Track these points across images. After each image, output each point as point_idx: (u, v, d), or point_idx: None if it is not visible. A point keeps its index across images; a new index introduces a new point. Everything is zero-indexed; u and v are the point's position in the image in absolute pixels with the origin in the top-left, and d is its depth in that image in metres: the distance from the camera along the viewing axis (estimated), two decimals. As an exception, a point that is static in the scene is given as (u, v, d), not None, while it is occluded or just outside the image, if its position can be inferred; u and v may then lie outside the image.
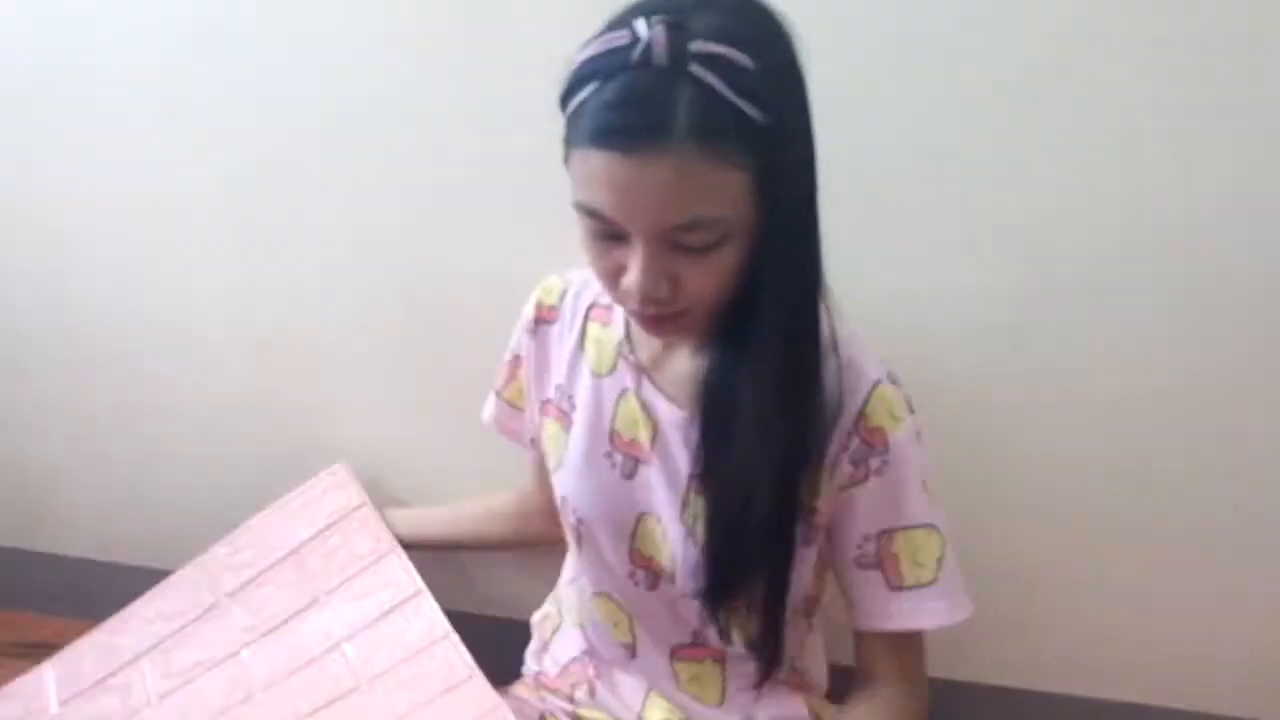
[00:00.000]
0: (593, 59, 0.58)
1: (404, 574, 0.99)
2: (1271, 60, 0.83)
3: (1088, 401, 0.95)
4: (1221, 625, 0.99)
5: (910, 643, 0.76)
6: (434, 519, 1.10)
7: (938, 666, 1.07)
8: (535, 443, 0.92)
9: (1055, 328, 0.94)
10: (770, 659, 0.74)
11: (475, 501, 1.10)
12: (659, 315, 0.64)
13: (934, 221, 0.94)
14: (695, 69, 0.55)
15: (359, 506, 1.08)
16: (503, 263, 1.08)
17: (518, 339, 0.90)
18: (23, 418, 1.40)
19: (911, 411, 0.73)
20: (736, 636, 0.75)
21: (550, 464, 0.86)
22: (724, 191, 0.58)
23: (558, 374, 0.84)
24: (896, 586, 0.73)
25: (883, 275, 0.97)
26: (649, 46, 0.55)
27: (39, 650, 1.33)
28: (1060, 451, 0.98)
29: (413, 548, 1.04)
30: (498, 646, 1.04)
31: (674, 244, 0.60)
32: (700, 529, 0.71)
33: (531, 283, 0.90)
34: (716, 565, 0.70)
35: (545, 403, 0.87)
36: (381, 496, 1.23)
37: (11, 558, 1.47)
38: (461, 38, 1.02)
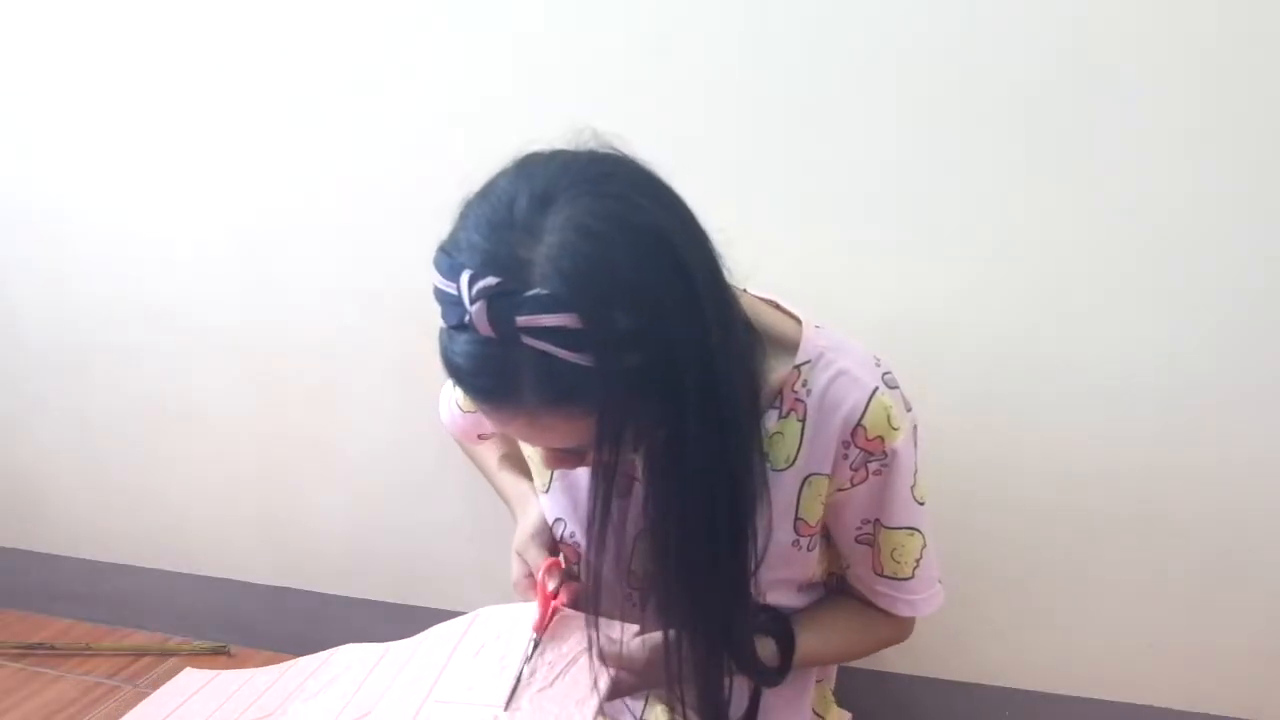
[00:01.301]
0: (435, 288, 0.58)
1: None
2: (1272, 60, 0.83)
3: (1087, 401, 0.95)
4: (1221, 625, 0.99)
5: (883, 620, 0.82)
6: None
7: (938, 666, 1.08)
8: (487, 436, 0.97)
9: (1055, 328, 0.94)
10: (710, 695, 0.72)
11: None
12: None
13: (933, 222, 0.94)
14: (527, 340, 0.52)
15: None
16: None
17: None
18: (23, 418, 1.40)
19: (908, 409, 0.73)
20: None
21: (537, 485, 0.84)
22: (582, 430, 0.57)
23: None
24: (878, 572, 0.77)
25: (882, 276, 0.97)
26: (474, 319, 0.53)
27: (38, 650, 1.34)
28: (1059, 451, 0.98)
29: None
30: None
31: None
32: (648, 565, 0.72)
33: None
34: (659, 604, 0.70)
35: None
36: (381, 495, 1.23)
37: (11, 558, 1.47)
38: (462, 39, 1.02)
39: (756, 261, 0.65)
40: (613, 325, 0.53)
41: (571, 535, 0.80)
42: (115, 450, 1.36)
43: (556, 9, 0.98)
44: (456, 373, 0.57)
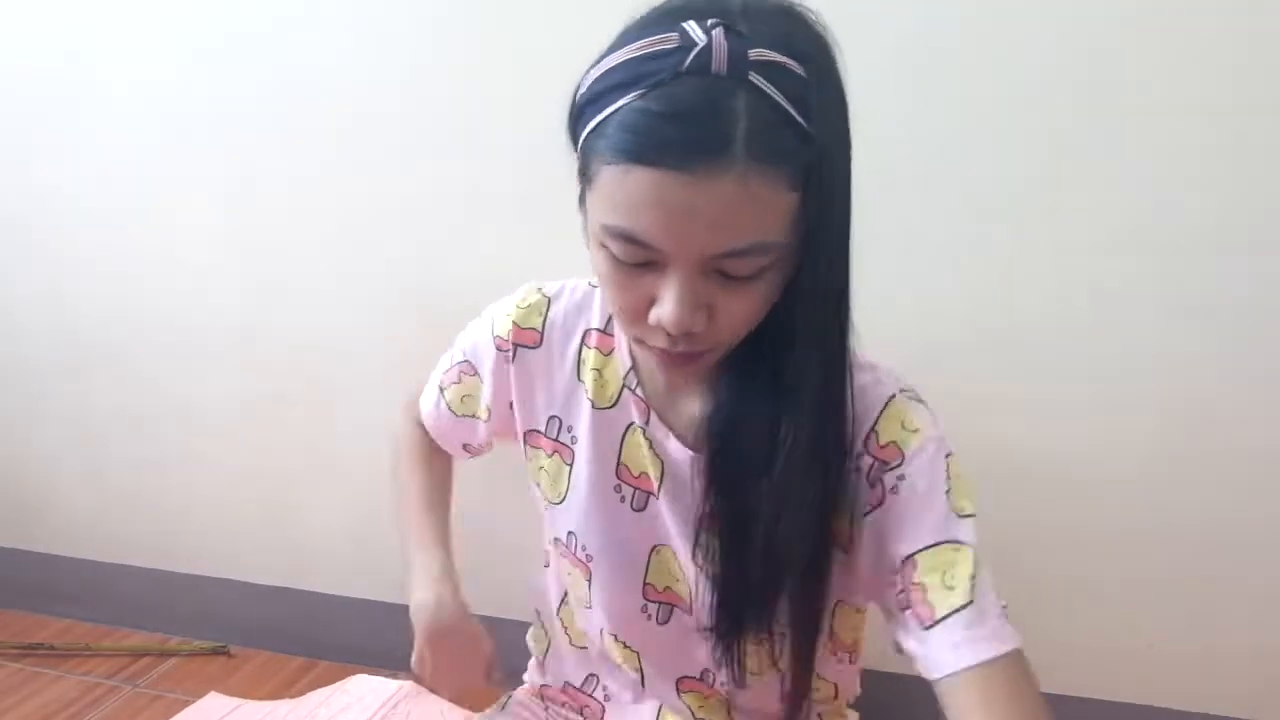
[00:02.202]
0: (630, 64, 0.52)
1: None
2: (1272, 60, 0.83)
3: (1088, 402, 0.95)
4: (1221, 625, 0.99)
5: (990, 683, 0.61)
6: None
7: (938, 666, 1.08)
8: (472, 450, 0.87)
9: (1055, 329, 0.94)
10: (796, 699, 0.71)
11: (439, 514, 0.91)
12: (686, 352, 0.58)
13: (932, 224, 0.94)
14: (754, 78, 0.50)
15: None
16: (505, 263, 1.08)
17: (476, 349, 0.81)
18: (22, 418, 1.40)
19: (936, 425, 0.67)
20: (749, 677, 0.71)
21: (547, 498, 0.80)
22: (779, 214, 0.53)
23: (550, 404, 0.77)
24: (929, 623, 0.62)
25: (882, 278, 0.97)
26: (706, 51, 0.49)
27: (38, 650, 1.34)
28: (1059, 452, 0.98)
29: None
30: (505, 647, 1.04)
31: (715, 272, 0.54)
32: (712, 566, 0.67)
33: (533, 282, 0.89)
34: (729, 603, 0.67)
35: (533, 433, 0.79)
36: (381, 496, 1.23)
37: (11, 558, 1.47)
38: (463, 40, 1.02)
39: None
40: (826, 94, 0.53)
41: (584, 549, 0.77)
42: (115, 450, 1.36)
43: (558, 10, 0.98)
44: (658, 134, 0.50)
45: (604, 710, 0.86)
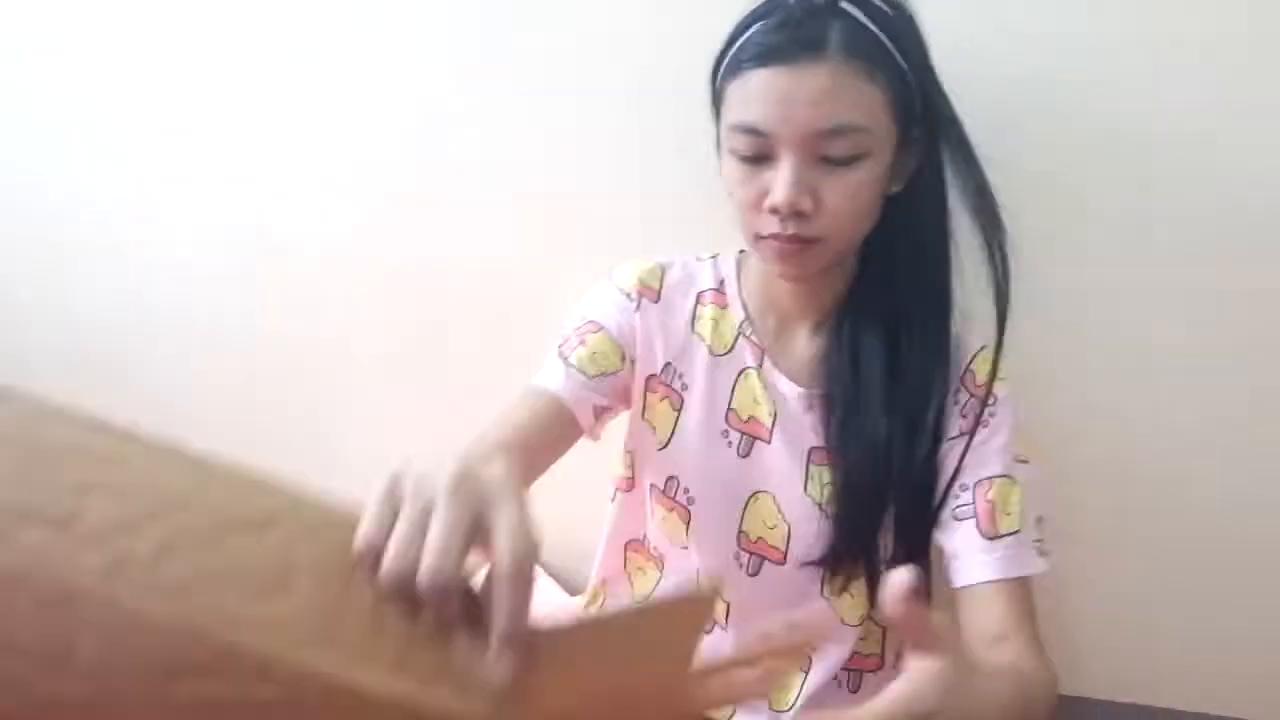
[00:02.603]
0: (754, 10, 0.70)
1: None
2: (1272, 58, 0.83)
3: (1087, 400, 0.95)
4: (1221, 625, 0.99)
5: (1020, 594, 0.75)
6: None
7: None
8: (598, 414, 0.83)
9: (1055, 326, 0.94)
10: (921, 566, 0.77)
11: None
12: (797, 236, 0.69)
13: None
14: (846, 5, 0.67)
15: None
16: (509, 263, 1.08)
17: (601, 304, 0.84)
18: (22, 418, 1.39)
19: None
20: (844, 613, 0.82)
21: (653, 442, 0.84)
22: (868, 102, 0.67)
23: (666, 352, 0.84)
24: (992, 536, 0.75)
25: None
26: None
27: (39, 650, 1.33)
28: (1058, 451, 0.98)
29: None
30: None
31: (819, 157, 0.67)
32: (827, 498, 0.78)
33: (534, 283, 0.90)
34: (843, 533, 0.77)
35: (651, 378, 0.84)
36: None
37: (11, 558, 1.47)
38: (468, 35, 1.02)
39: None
40: (906, 31, 0.70)
41: (686, 491, 0.83)
42: (115, 450, 1.35)
43: (561, 8, 0.98)
44: (771, 42, 0.67)
45: None
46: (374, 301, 1.15)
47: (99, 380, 1.33)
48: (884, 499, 0.76)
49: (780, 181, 0.67)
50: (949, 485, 0.77)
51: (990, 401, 0.77)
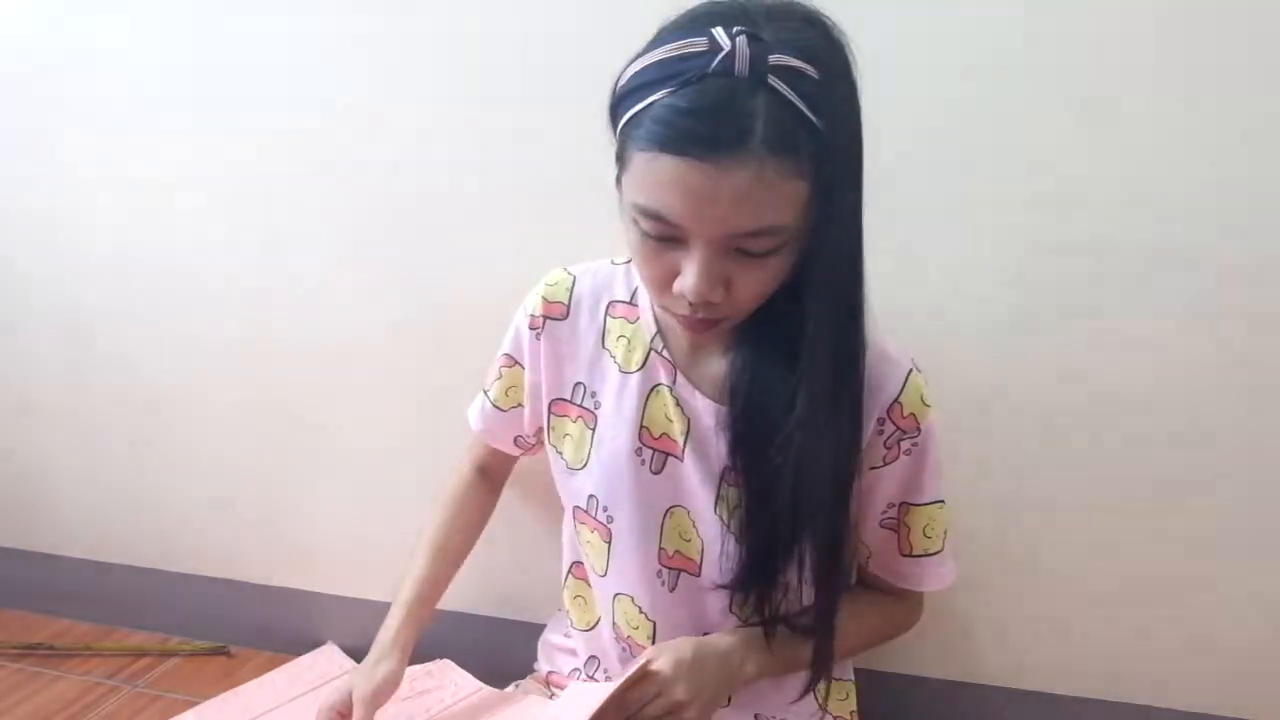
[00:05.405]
0: (663, 63, 0.59)
1: None
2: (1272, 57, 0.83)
3: (1087, 399, 0.95)
4: (1221, 625, 0.99)
5: (906, 598, 0.87)
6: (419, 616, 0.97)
7: (938, 667, 1.08)
8: (522, 443, 0.94)
9: (1056, 322, 0.94)
10: (825, 640, 0.76)
11: (435, 565, 0.98)
12: (705, 319, 0.66)
13: (935, 213, 0.94)
14: (773, 80, 0.56)
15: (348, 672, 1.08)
16: (510, 262, 1.08)
17: (515, 338, 0.88)
18: (23, 418, 1.40)
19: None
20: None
21: (565, 464, 0.85)
22: (791, 200, 0.59)
23: (576, 372, 0.83)
24: (906, 553, 0.81)
25: (884, 267, 0.97)
26: (730, 56, 0.56)
27: (38, 650, 1.34)
28: (1058, 450, 0.98)
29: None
30: (505, 647, 1.04)
31: (733, 249, 0.61)
32: (735, 520, 0.75)
33: (534, 284, 0.90)
34: (750, 554, 0.74)
35: (559, 401, 0.85)
36: (382, 496, 1.23)
37: (10, 558, 1.47)
38: (469, 39, 1.02)
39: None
40: (838, 95, 0.60)
41: (605, 510, 0.82)
42: (115, 450, 1.36)
43: (563, 11, 0.98)
44: (684, 127, 0.57)
45: None
46: (376, 301, 1.15)
47: (99, 380, 1.33)
48: (789, 529, 0.71)
49: (690, 273, 0.62)
50: (874, 504, 0.79)
51: (913, 434, 0.76)
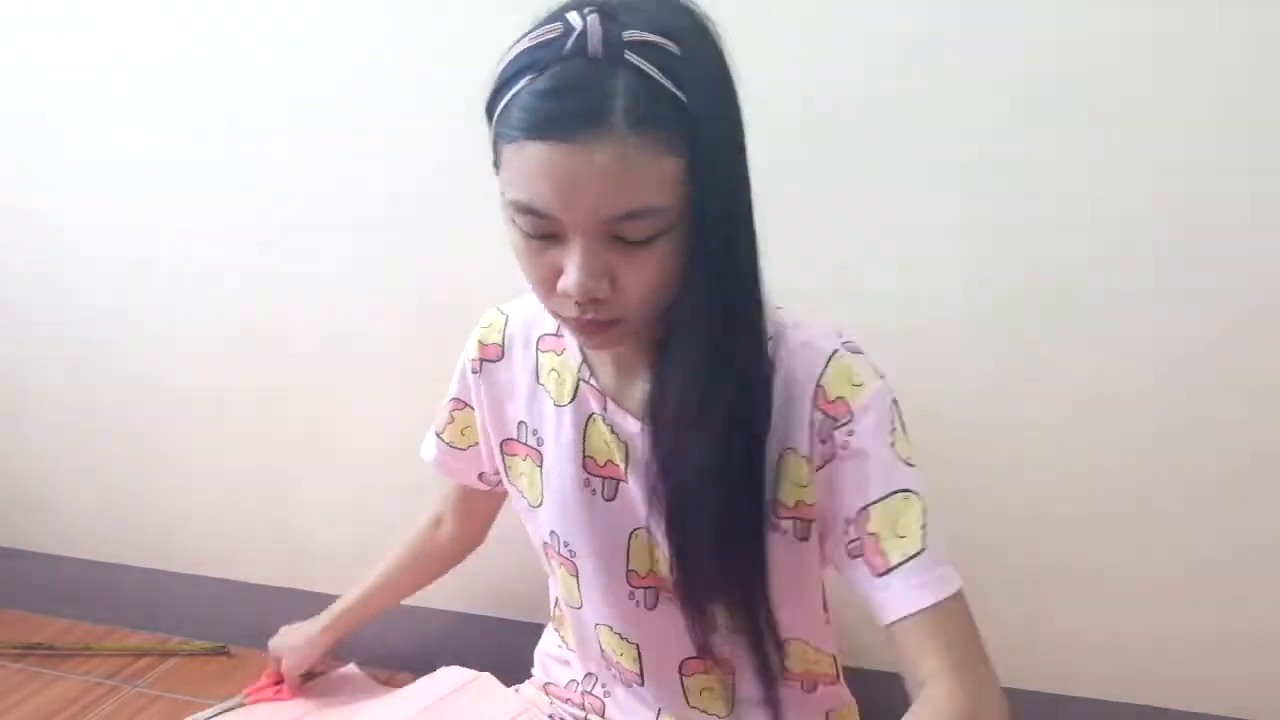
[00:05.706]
0: (523, 54, 0.58)
1: None
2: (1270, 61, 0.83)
3: (1087, 399, 0.95)
4: (1220, 626, 0.99)
5: (934, 622, 0.64)
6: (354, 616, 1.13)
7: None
8: (487, 480, 0.93)
9: (1052, 326, 0.94)
10: (762, 667, 0.72)
11: (391, 575, 1.09)
12: (596, 320, 0.62)
13: (929, 219, 0.94)
14: (630, 56, 0.55)
15: None
16: (509, 262, 1.08)
17: (459, 382, 0.88)
18: (22, 417, 1.40)
19: (880, 376, 0.69)
20: (721, 644, 0.74)
21: (526, 503, 0.84)
22: (662, 179, 0.57)
23: (518, 411, 0.82)
24: (883, 571, 0.65)
25: (878, 272, 0.97)
26: (583, 35, 0.55)
27: (38, 650, 1.34)
28: (1058, 451, 0.98)
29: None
30: (505, 647, 1.04)
31: (612, 238, 0.58)
32: (664, 538, 0.71)
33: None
34: (684, 568, 0.69)
35: (508, 441, 0.84)
36: (382, 496, 1.23)
37: (10, 558, 1.47)
38: (469, 35, 1.02)
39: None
40: (702, 69, 0.58)
41: (567, 545, 0.80)
42: (115, 450, 1.36)
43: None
44: (544, 110, 0.56)
45: (604, 708, 0.87)
46: (376, 300, 1.15)
47: (99, 380, 1.33)
48: (710, 535, 0.67)
49: (571, 268, 0.58)
50: (834, 524, 0.69)
51: (845, 420, 0.67)
